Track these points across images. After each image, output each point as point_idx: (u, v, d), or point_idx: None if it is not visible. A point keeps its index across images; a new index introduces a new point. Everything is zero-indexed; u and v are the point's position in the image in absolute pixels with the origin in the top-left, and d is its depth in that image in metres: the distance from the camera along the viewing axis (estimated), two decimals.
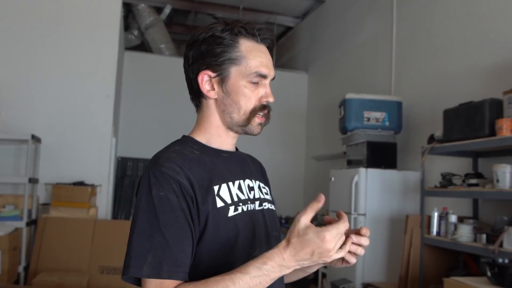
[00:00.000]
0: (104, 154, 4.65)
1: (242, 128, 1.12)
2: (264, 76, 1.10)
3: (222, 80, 1.09)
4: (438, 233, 3.40)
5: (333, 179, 4.62)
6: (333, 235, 0.93)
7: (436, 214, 3.42)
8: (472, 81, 3.76)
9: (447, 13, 4.19)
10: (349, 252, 1.01)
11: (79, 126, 4.56)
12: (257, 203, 1.14)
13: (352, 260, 1.03)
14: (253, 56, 1.09)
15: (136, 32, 6.95)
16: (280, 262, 0.93)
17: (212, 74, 1.09)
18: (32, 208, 4.12)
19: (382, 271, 4.13)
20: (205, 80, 1.10)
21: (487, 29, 3.70)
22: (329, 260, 0.95)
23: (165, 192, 0.99)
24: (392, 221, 4.13)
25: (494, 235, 2.92)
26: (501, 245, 2.76)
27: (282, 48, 8.43)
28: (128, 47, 6.92)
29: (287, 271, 0.95)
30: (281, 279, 1.16)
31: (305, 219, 0.94)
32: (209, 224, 1.01)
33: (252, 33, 1.10)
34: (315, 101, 7.21)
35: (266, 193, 1.22)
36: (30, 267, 3.80)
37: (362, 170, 4.13)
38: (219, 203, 1.04)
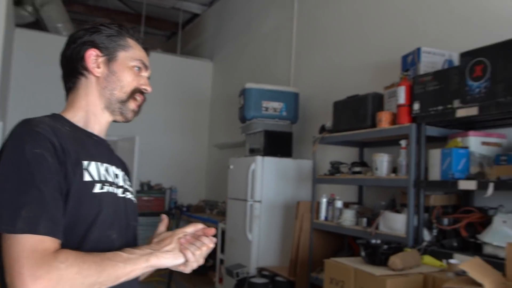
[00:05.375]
0: None
1: (120, 106, 1.17)
2: (145, 67, 1.22)
3: (109, 60, 1.17)
4: (326, 218, 3.60)
5: (231, 167, 4.70)
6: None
7: (324, 200, 3.61)
8: (361, 75, 4.01)
9: (341, 11, 4.42)
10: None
11: None
12: (120, 190, 1.15)
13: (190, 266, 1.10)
14: (139, 49, 1.22)
15: (30, 8, 6.47)
16: (150, 247, 1.04)
17: (100, 54, 1.16)
18: None
19: (276, 255, 4.29)
20: (93, 57, 1.16)
21: (374, 29, 3.97)
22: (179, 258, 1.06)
23: (41, 150, 0.93)
24: (286, 208, 4.30)
25: (373, 219, 3.16)
26: (377, 228, 3.01)
27: (188, 35, 8.35)
28: (21, 24, 6.43)
29: (152, 259, 1.01)
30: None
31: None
32: (72, 195, 0.97)
33: (136, 36, 1.23)
34: (219, 89, 7.25)
35: (130, 186, 1.25)
36: None
37: (258, 158, 4.25)
38: (87, 177, 1.02)
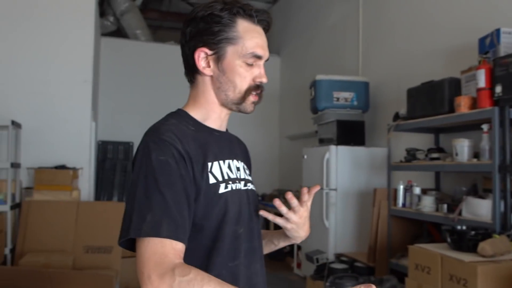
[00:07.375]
0: (84, 138, 4.73)
1: (236, 106, 1.15)
2: (259, 57, 1.13)
3: (218, 58, 1.11)
4: (404, 205, 3.65)
5: (305, 156, 4.85)
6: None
7: (401, 187, 3.66)
8: (433, 61, 4.01)
9: None
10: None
11: (58, 111, 4.62)
12: (242, 183, 1.17)
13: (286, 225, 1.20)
14: (250, 37, 1.11)
15: (111, 18, 6.97)
16: None
17: (209, 52, 1.11)
18: (15, 192, 4.20)
19: (352, 242, 4.40)
20: (202, 57, 1.12)
21: (446, 13, 3.95)
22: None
23: (165, 156, 0.99)
24: (361, 195, 4.39)
25: (453, 205, 3.17)
26: (460, 214, 3.03)
27: None
28: (105, 33, 6.94)
29: None
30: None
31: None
32: (202, 198, 1.04)
33: (249, 14, 1.12)
34: (287, 82, 7.41)
35: (249, 175, 1.27)
36: (17, 249, 3.90)
37: (332, 147, 4.36)
38: (211, 180, 1.07)
